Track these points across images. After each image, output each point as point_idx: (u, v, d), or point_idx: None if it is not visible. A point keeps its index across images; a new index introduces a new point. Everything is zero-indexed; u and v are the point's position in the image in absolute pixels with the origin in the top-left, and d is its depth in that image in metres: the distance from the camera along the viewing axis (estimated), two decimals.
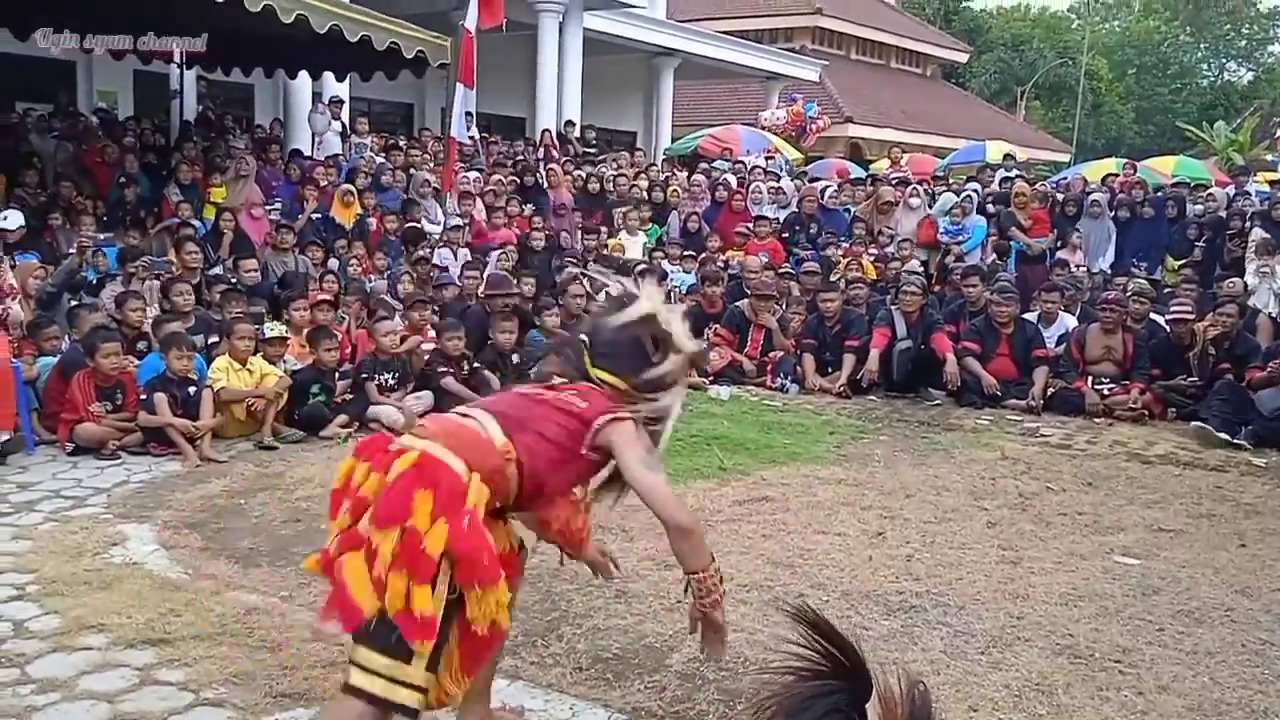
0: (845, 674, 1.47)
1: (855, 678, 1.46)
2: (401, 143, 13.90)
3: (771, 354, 9.23)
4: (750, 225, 12.19)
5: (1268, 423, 7.36)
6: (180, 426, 6.18)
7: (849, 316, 9.16)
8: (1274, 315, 9.88)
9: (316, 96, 13.84)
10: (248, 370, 6.70)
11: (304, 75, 13.22)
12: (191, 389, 6.42)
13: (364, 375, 7.08)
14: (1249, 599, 4.49)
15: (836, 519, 5.37)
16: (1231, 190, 13.74)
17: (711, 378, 8.98)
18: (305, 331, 7.54)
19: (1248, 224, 11.42)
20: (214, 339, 7.33)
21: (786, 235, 12.17)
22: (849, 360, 8.86)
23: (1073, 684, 3.61)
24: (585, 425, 2.71)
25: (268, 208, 10.95)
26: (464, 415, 2.76)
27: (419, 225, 11.03)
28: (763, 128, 20.54)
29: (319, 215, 11.06)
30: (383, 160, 12.52)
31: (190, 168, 10.75)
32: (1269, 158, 26.52)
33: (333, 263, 10.12)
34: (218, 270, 9.35)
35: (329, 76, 13.10)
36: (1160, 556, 4.99)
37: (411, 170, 12.33)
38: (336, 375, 7.20)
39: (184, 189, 10.55)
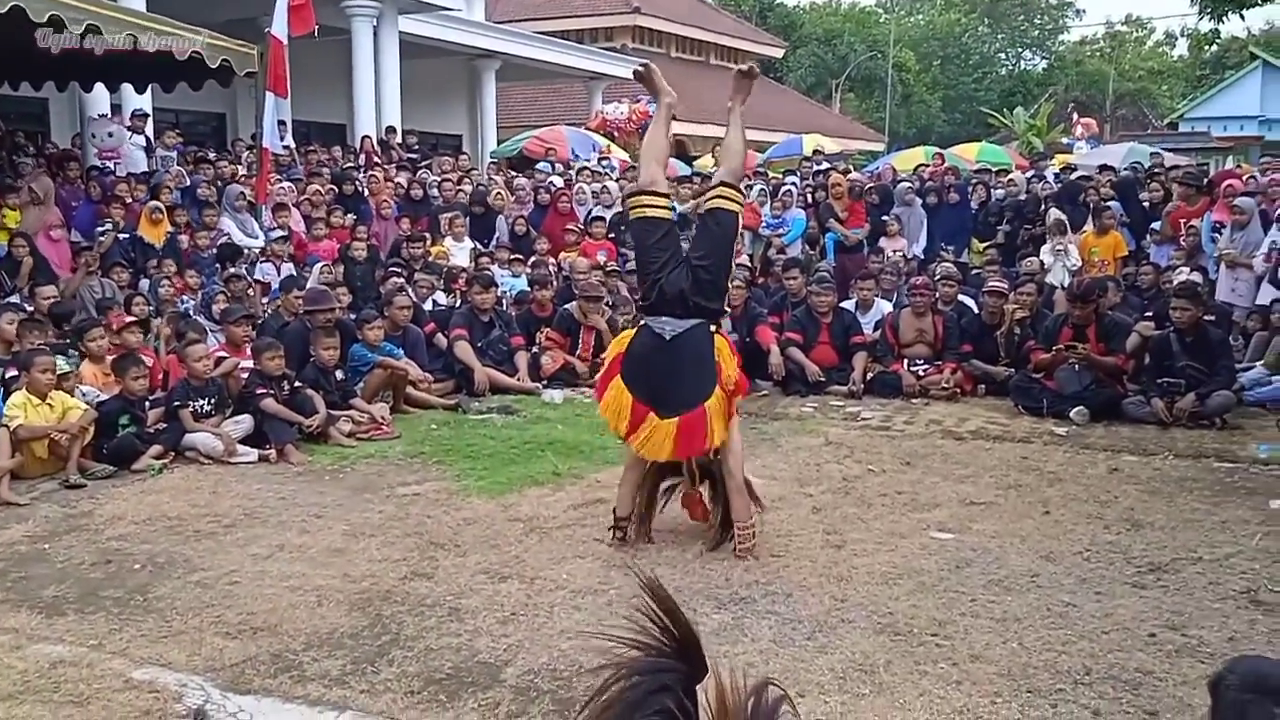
0: (676, 650, 1.45)
1: (685, 655, 1.45)
2: (212, 155, 13.34)
3: (604, 355, 9.26)
4: (578, 226, 12.23)
5: (1065, 400, 7.84)
6: None
7: None
8: None
9: (116, 109, 13.15)
10: (48, 405, 6.30)
11: (100, 88, 12.53)
12: None
13: (177, 402, 6.76)
14: (1053, 564, 4.77)
15: (669, 517, 5.43)
16: (1030, 174, 14.59)
17: (545, 382, 8.98)
18: (110, 360, 7.14)
19: (1044, 206, 12.12)
20: (12, 373, 6.87)
21: (613, 235, 12.24)
22: None
23: (893, 661, 3.76)
24: None
25: (99, 230, 10.34)
26: None
27: (233, 241, 10.61)
28: (604, 121, 20.60)
29: (126, 235, 10.51)
30: (191, 173, 11.98)
31: None
32: (1065, 141, 28.23)
33: (143, 284, 9.65)
34: (14, 299, 8.77)
35: (128, 88, 12.47)
36: (972, 529, 5.26)
37: (220, 183, 11.84)
38: (147, 404, 6.86)
39: None
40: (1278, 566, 4.68)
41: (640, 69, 5.35)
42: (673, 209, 4.98)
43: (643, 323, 4.90)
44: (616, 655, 1.44)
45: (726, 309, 5.01)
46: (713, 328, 4.81)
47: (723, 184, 4.98)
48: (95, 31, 8.49)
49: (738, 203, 4.98)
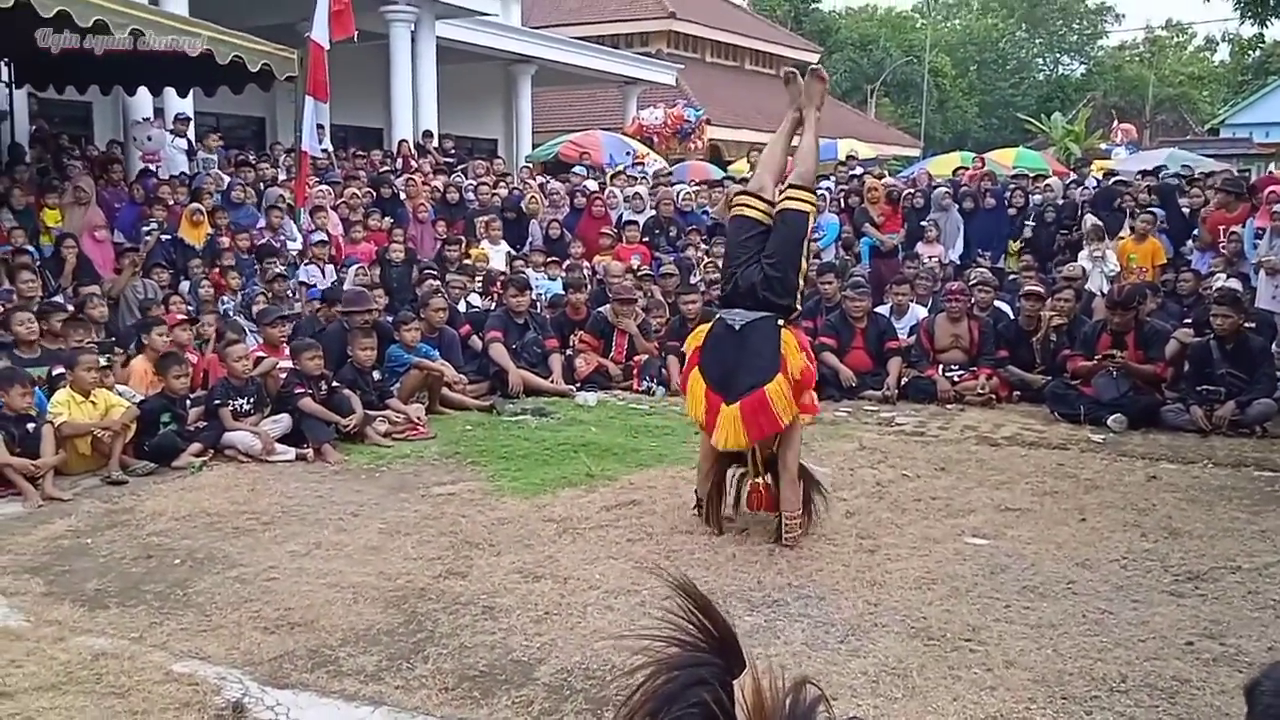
0: (713, 645, 1.46)
1: (723, 650, 1.46)
2: (252, 158, 13.50)
3: (637, 357, 9.32)
4: (612, 230, 12.28)
5: (1102, 407, 7.76)
6: (19, 466, 5.86)
7: (710, 317, 9.29)
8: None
9: (159, 113, 13.33)
10: (91, 402, 6.41)
11: (144, 92, 12.71)
12: (30, 425, 6.12)
13: (216, 401, 6.85)
14: (1089, 571, 4.73)
15: (702, 519, 5.45)
16: (1070, 179, 14.48)
17: (579, 384, 9.02)
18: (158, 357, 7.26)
19: (1080, 212, 12.03)
20: (59, 370, 7.00)
21: (647, 240, 12.27)
22: None
23: (926, 665, 3.75)
24: None
25: (145, 231, 10.49)
26: None
27: (271, 243, 10.73)
28: (641, 127, 20.68)
29: (167, 237, 10.66)
30: (231, 176, 12.13)
31: (23, 192, 10.23)
32: (1103, 146, 27.96)
33: (184, 285, 9.79)
34: (58, 298, 8.92)
35: (171, 92, 12.65)
36: (1007, 535, 5.23)
37: (262, 185, 11.99)
38: (188, 402, 6.96)
39: (17, 214, 10.03)
40: None
41: (790, 74, 5.59)
42: (769, 215, 5.18)
43: (718, 314, 5.26)
44: (653, 650, 1.46)
45: (797, 306, 5.21)
46: (781, 322, 5.03)
47: (792, 185, 5.22)
48: (139, 35, 8.64)
49: (809, 203, 5.24)
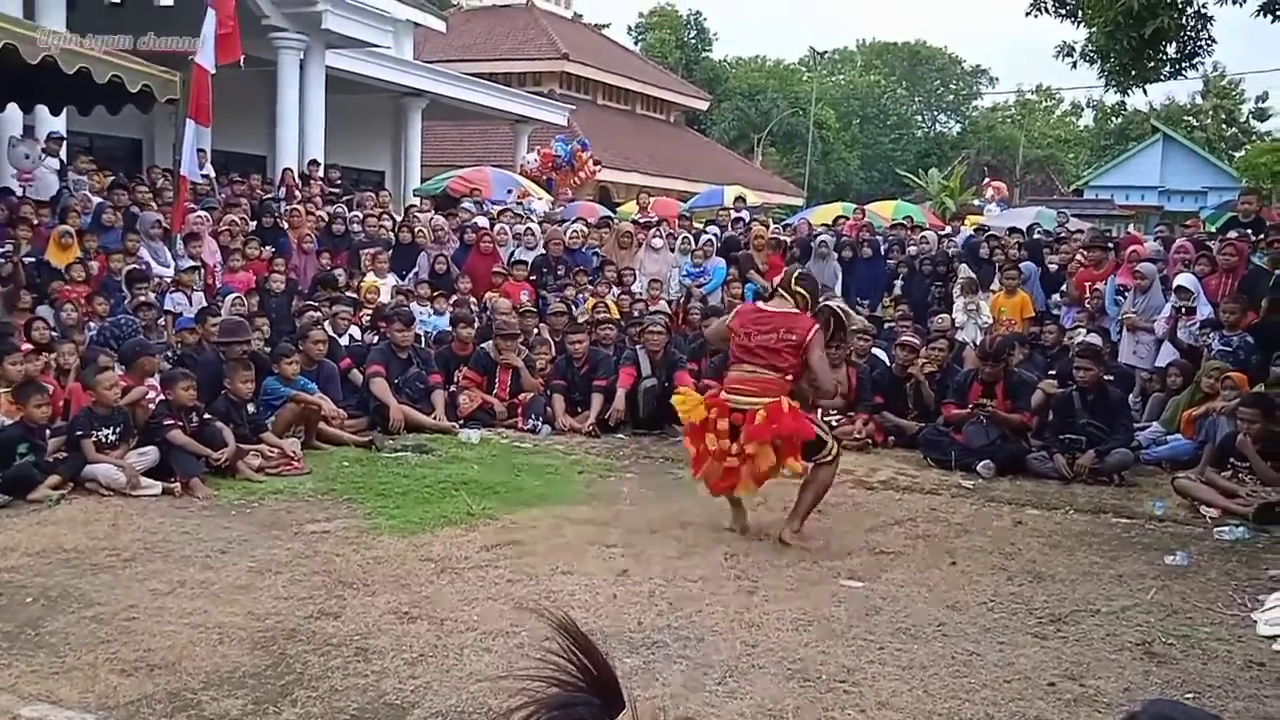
0: (592, 685, 1.45)
1: (602, 690, 1.44)
2: (129, 184, 13.01)
3: (522, 395, 9.27)
4: (503, 267, 12.21)
5: (972, 454, 8.02)
6: None
7: (596, 357, 9.34)
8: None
9: (29, 130, 12.79)
10: None
11: (14, 108, 12.19)
12: None
13: (79, 432, 6.55)
14: (958, 613, 4.86)
15: (583, 559, 5.44)
16: (944, 232, 15.00)
17: (462, 421, 8.92)
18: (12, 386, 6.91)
19: (954, 265, 12.47)
20: None
21: (534, 278, 12.25)
22: (597, 400, 9.04)
23: (802, 706, 3.79)
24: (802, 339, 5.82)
25: (1, 252, 9.93)
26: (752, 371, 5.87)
27: (139, 268, 10.35)
28: (525, 171, 20.73)
29: (32, 259, 10.19)
30: (101, 200, 11.68)
31: None
32: (976, 202, 29.10)
33: (46, 311, 9.35)
34: None
35: (42, 110, 12.16)
36: (881, 578, 5.34)
37: (135, 210, 11.57)
38: (48, 432, 6.63)
39: None
40: (1171, 620, 4.84)
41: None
42: None
43: None
44: (532, 690, 1.44)
45: None
46: None
47: None
48: (13, 52, 8.34)
49: None
